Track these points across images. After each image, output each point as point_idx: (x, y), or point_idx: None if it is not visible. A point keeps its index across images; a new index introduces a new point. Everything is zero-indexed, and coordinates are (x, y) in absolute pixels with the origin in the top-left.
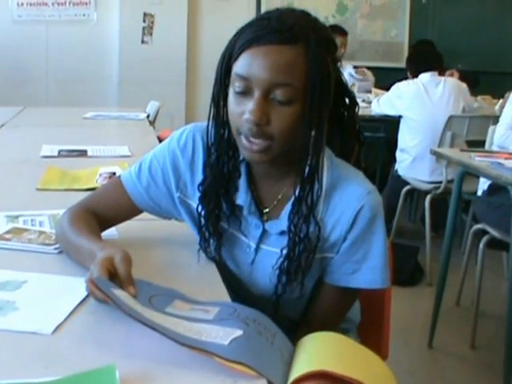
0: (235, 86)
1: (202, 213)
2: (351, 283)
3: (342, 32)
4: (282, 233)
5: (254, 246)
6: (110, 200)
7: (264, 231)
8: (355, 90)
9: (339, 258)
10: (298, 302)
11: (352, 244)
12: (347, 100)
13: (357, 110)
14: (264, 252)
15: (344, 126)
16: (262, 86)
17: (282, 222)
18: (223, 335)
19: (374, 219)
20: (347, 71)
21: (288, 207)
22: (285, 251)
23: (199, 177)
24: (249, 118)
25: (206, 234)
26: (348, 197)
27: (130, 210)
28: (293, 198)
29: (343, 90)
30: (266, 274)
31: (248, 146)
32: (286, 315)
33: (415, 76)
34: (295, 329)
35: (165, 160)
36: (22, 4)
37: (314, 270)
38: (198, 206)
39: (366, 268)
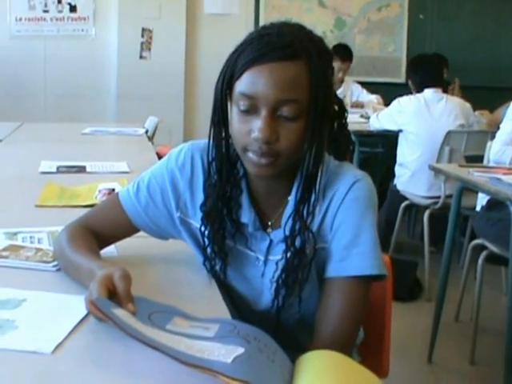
0: (240, 105)
1: (206, 233)
2: (341, 271)
3: (344, 57)
4: (284, 239)
5: (262, 258)
6: (108, 218)
7: (270, 242)
8: (349, 104)
9: (329, 245)
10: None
11: (340, 224)
12: (336, 107)
13: (346, 116)
14: (271, 262)
15: (335, 134)
16: (268, 104)
17: (284, 229)
18: (225, 353)
19: (362, 201)
20: (352, 86)
21: (287, 214)
22: (281, 263)
23: (199, 196)
24: (258, 137)
25: (211, 254)
26: (337, 185)
27: (128, 229)
28: (291, 207)
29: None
30: (270, 284)
31: (256, 160)
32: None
33: (418, 90)
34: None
35: (163, 179)
36: (21, 19)
37: (313, 285)
38: (200, 227)
39: (355, 254)
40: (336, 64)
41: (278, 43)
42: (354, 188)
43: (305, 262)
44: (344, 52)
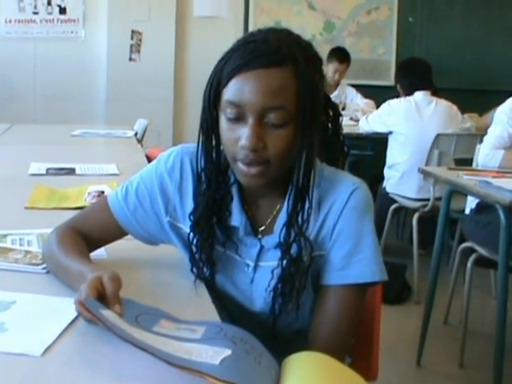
0: (227, 113)
1: (194, 241)
2: (342, 279)
3: (341, 58)
4: (277, 246)
5: (252, 264)
6: (96, 222)
7: (261, 248)
8: (343, 108)
9: (328, 254)
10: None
11: (340, 232)
12: (331, 112)
13: (340, 120)
14: (262, 269)
15: (329, 138)
16: (255, 112)
17: (277, 236)
18: (213, 355)
19: (362, 208)
20: (346, 90)
21: (281, 221)
22: (277, 271)
23: (189, 200)
24: (245, 145)
25: (200, 263)
26: (335, 193)
27: (117, 232)
28: (285, 214)
29: (326, 102)
30: (265, 291)
31: (246, 170)
32: (283, 332)
33: (408, 93)
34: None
35: (152, 184)
36: (10, 21)
37: (309, 291)
38: (189, 234)
39: (356, 262)
40: (333, 65)
41: (263, 50)
42: (353, 196)
43: (302, 269)
44: (342, 54)
